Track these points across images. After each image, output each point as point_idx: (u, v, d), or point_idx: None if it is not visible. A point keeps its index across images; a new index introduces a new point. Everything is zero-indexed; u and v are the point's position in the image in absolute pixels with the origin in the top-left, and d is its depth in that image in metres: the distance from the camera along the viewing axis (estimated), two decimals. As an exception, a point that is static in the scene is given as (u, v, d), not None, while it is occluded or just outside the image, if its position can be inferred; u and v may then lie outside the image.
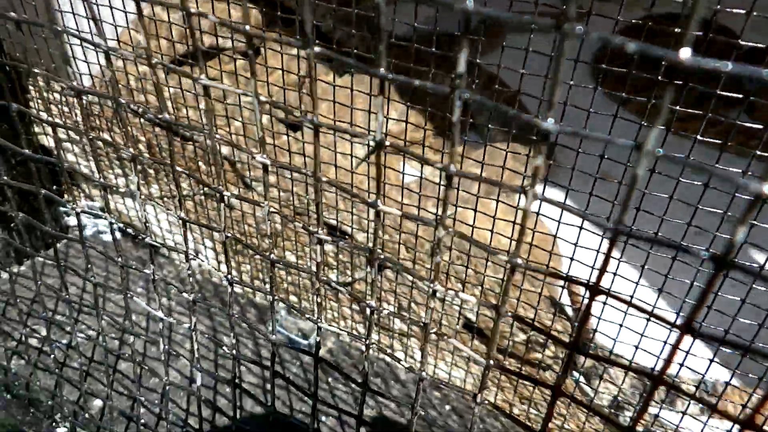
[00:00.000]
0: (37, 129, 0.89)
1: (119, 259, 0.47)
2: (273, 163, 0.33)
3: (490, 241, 0.73)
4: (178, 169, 0.38)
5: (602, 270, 0.26)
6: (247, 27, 0.29)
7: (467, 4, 0.22)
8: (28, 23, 0.37)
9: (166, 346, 0.50)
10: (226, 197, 0.37)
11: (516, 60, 0.61)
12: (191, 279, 0.44)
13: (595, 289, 0.26)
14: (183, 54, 1.06)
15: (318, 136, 0.31)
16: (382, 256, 0.34)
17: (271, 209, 0.36)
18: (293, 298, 0.88)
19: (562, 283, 1.04)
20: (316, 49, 0.28)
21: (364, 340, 0.37)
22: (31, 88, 0.87)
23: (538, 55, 0.58)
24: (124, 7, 0.75)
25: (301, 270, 0.39)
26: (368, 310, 0.35)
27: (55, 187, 0.93)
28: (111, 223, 0.45)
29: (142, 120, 0.94)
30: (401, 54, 0.69)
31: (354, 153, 0.79)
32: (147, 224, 0.44)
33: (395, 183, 0.98)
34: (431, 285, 0.31)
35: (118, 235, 0.45)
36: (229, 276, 0.41)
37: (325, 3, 0.87)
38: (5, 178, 0.48)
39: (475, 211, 0.69)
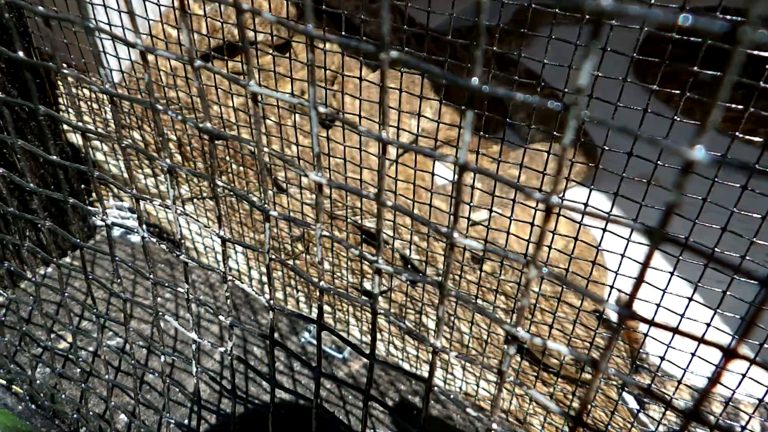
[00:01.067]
0: (65, 126, 0.86)
1: (151, 276, 0.43)
2: (329, 182, 0.29)
3: (526, 248, 0.68)
4: (220, 184, 0.34)
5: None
6: (310, 26, 0.24)
7: None
8: (58, 18, 0.34)
9: (198, 368, 0.46)
10: (272, 217, 0.33)
11: (556, 54, 0.55)
12: (228, 301, 0.40)
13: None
14: (214, 48, 1.02)
15: (383, 151, 0.26)
16: (453, 293, 0.29)
17: (324, 232, 0.32)
18: (326, 308, 0.84)
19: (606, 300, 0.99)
20: (393, 53, 0.23)
21: (424, 382, 0.33)
22: (60, 83, 0.85)
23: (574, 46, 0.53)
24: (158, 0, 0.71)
25: (353, 300, 0.34)
26: (431, 351, 0.31)
27: (83, 185, 0.91)
28: (143, 237, 0.42)
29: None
30: (436, 47, 0.64)
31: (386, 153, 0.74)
32: (182, 240, 0.41)
33: (426, 186, 0.93)
34: (515, 329, 0.27)
35: (150, 243, 0.41)
36: (272, 302, 0.37)
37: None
38: (32, 185, 0.45)
39: (487, 214, 0.64)
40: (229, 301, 0.41)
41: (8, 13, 0.36)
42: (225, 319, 0.41)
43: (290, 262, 0.85)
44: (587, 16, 0.53)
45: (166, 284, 0.43)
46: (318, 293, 0.35)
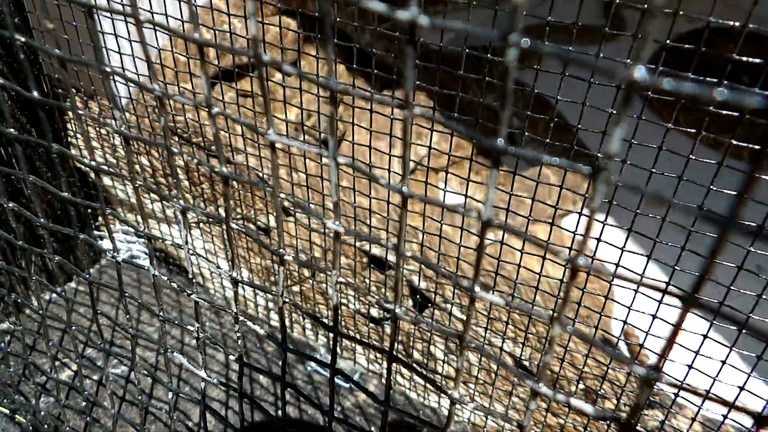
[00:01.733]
0: (73, 151, 0.86)
1: (160, 314, 0.43)
2: (347, 231, 0.29)
3: (539, 275, 0.67)
4: (234, 226, 0.34)
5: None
6: (332, 81, 0.24)
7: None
8: (74, 61, 0.34)
9: (203, 408, 0.45)
10: (287, 261, 0.33)
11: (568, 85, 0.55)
12: (239, 342, 0.39)
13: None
14: (214, 75, 1.03)
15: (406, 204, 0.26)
16: (473, 345, 0.29)
17: (341, 279, 0.32)
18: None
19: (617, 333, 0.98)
20: (416, 110, 0.23)
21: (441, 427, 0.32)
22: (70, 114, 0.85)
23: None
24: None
25: (366, 345, 0.34)
26: (449, 401, 0.30)
27: (90, 210, 0.90)
28: (153, 276, 0.41)
29: (178, 136, 0.91)
30: (446, 73, 0.64)
31: (392, 179, 0.74)
32: (194, 279, 0.40)
33: (436, 203, 0.93)
34: (538, 386, 0.26)
35: (155, 271, 0.41)
36: (286, 343, 0.37)
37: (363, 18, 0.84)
38: (42, 220, 0.45)
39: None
40: (240, 342, 0.41)
41: (23, 54, 0.36)
42: (233, 356, 0.40)
43: (296, 288, 0.85)
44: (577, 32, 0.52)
45: (176, 322, 0.43)
46: (333, 336, 0.34)
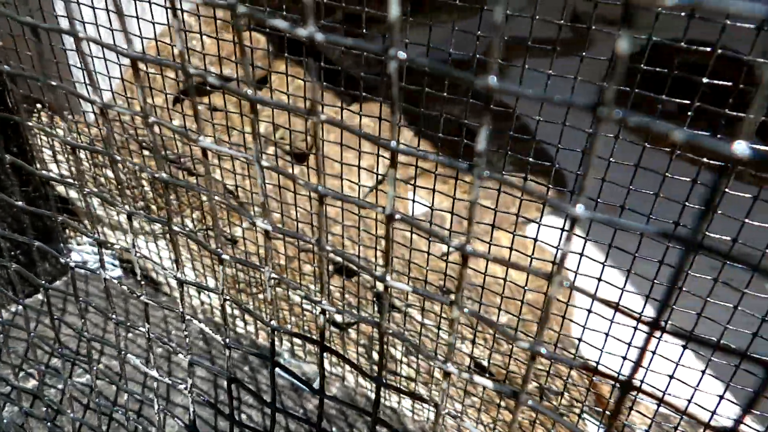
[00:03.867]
0: (39, 164, 0.87)
1: (113, 316, 0.44)
2: (275, 228, 0.31)
3: (505, 279, 0.70)
4: (176, 229, 0.36)
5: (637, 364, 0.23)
6: (324, 116, 0.27)
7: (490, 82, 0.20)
8: (25, 77, 0.36)
9: (161, 406, 0.47)
10: (225, 259, 0.35)
11: (537, 83, 0.58)
12: (187, 340, 0.41)
13: (628, 385, 0.24)
14: (183, 90, 1.05)
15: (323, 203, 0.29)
16: (390, 331, 0.31)
17: (273, 274, 0.34)
18: (297, 340, 0.85)
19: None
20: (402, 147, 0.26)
21: None
22: (33, 121, 0.86)
23: (561, 79, 0.56)
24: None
25: (306, 339, 0.36)
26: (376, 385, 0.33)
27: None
28: (105, 279, 0.43)
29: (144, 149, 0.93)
30: (412, 81, 0.67)
31: (362, 182, 0.77)
32: (142, 281, 0.42)
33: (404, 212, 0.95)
34: (444, 366, 0.29)
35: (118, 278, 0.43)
36: (227, 340, 0.39)
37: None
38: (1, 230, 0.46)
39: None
40: (188, 339, 0.43)
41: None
42: (185, 356, 0.42)
43: (261, 295, 0.87)
44: (558, 48, 0.55)
45: (128, 324, 0.45)
46: (271, 332, 0.37)
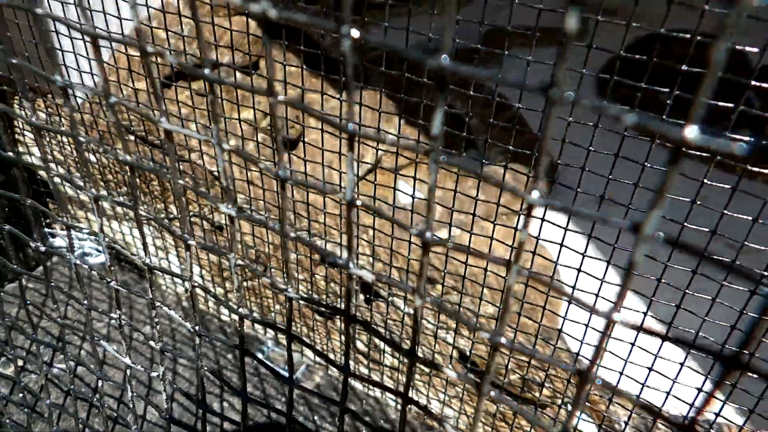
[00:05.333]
0: (21, 149, 0.86)
1: (85, 302, 0.44)
2: (238, 215, 0.31)
3: (485, 268, 0.69)
4: (142, 213, 0.35)
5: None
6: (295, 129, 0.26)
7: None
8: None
9: (134, 393, 0.46)
10: (192, 246, 0.34)
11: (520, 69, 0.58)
12: (157, 327, 0.41)
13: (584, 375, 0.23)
14: (167, 76, 1.03)
15: (285, 189, 0.28)
16: (359, 319, 0.31)
17: (239, 261, 0.33)
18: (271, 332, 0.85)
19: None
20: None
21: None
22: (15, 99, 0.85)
23: (543, 66, 0.55)
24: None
25: (278, 330, 0.36)
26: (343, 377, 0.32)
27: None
28: (75, 264, 0.42)
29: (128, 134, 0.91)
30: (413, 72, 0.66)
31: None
32: (111, 267, 0.41)
33: (389, 202, 0.95)
34: (406, 357, 0.28)
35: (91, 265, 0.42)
36: (197, 327, 0.38)
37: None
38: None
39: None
40: (158, 327, 0.42)
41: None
42: (156, 343, 0.42)
43: (247, 283, 0.86)
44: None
45: (99, 310, 0.44)
46: (239, 320, 0.36)
